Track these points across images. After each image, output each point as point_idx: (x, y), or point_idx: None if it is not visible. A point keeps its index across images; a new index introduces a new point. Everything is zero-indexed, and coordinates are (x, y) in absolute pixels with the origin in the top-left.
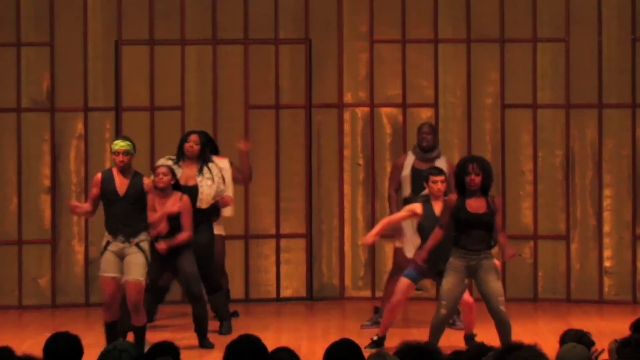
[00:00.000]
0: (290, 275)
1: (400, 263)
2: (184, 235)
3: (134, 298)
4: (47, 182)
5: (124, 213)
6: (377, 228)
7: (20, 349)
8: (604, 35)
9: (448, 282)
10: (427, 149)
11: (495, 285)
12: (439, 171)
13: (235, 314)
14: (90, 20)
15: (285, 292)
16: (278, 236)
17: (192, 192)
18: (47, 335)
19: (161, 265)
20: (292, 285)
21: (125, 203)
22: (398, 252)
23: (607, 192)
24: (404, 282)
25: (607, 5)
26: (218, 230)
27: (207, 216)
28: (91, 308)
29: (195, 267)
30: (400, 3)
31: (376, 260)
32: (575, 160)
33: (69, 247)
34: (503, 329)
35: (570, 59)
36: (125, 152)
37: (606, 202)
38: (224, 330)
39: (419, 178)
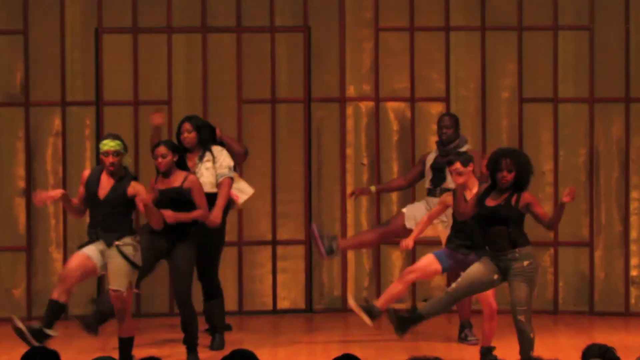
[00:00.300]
0: (287, 285)
1: (395, 226)
2: (197, 212)
3: (119, 306)
4: (21, 184)
5: (103, 218)
6: (418, 229)
7: None
8: (631, 22)
9: (475, 266)
10: (447, 143)
11: (517, 292)
12: (467, 160)
13: (228, 327)
14: (68, 6)
15: (283, 304)
16: (274, 242)
17: None
18: (22, 350)
19: (156, 254)
20: (290, 296)
21: (105, 207)
22: (399, 216)
23: (634, 194)
24: (429, 257)
25: None
26: None
27: (212, 201)
28: (70, 321)
29: (190, 266)
30: None
31: (381, 270)
32: (600, 159)
33: (46, 254)
34: (521, 340)
35: (594, 48)
36: (116, 153)
37: (633, 206)
38: (216, 345)
39: (438, 172)
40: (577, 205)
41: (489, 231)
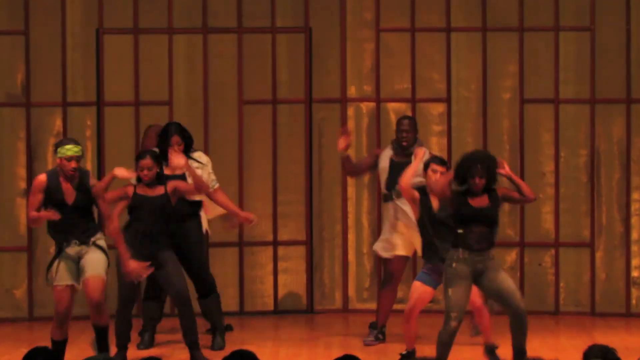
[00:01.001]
0: (288, 285)
1: (389, 269)
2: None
3: (96, 296)
4: (22, 184)
5: (73, 222)
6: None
7: None
8: (632, 23)
9: (456, 291)
10: (408, 147)
11: (507, 282)
12: (442, 161)
13: (229, 328)
14: (68, 7)
15: (284, 304)
16: (275, 243)
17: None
18: (24, 350)
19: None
20: (291, 296)
21: (74, 212)
22: (386, 262)
23: (635, 195)
24: (416, 285)
25: None
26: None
27: (196, 209)
28: (72, 321)
29: (179, 266)
30: None
31: (382, 270)
32: (601, 160)
33: (47, 255)
34: (521, 327)
35: (595, 49)
36: (78, 158)
37: (634, 207)
38: (217, 345)
39: (397, 171)
40: (578, 206)
41: (472, 231)
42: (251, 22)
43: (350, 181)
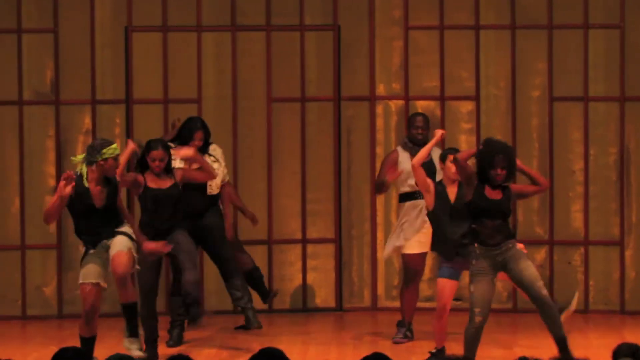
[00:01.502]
0: (317, 283)
1: (412, 267)
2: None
3: (119, 270)
4: (52, 182)
5: (102, 223)
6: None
7: None
8: None
9: (478, 287)
10: (422, 143)
11: (528, 271)
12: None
13: (258, 325)
14: (98, 5)
15: (313, 302)
16: (304, 241)
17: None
18: (53, 347)
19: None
20: (320, 294)
21: (103, 214)
22: (407, 258)
23: None
24: (442, 282)
25: None
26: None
27: (215, 200)
28: (100, 319)
29: (192, 246)
30: None
31: (404, 268)
32: (631, 158)
33: (76, 252)
34: (550, 315)
35: (625, 47)
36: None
37: None
38: (251, 323)
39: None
40: (608, 204)
41: (487, 225)
42: (280, 20)
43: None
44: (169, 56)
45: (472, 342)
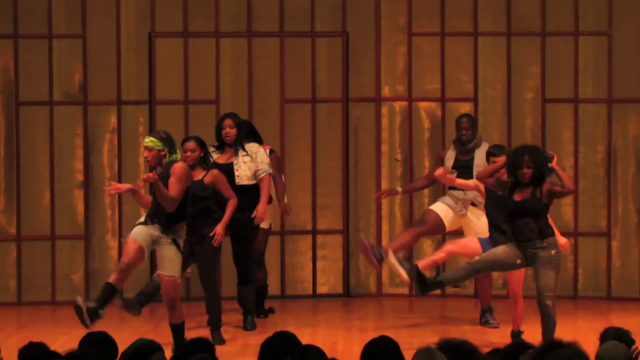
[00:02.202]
0: (326, 271)
1: (431, 221)
2: (231, 205)
3: (170, 294)
4: (80, 177)
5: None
6: (451, 177)
7: (54, 344)
8: None
9: (502, 247)
10: (467, 143)
11: (545, 279)
12: (501, 151)
13: (271, 310)
14: (123, 12)
15: (322, 289)
16: (314, 232)
17: (228, 169)
18: (81, 331)
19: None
20: (329, 281)
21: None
22: (430, 213)
23: None
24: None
25: None
26: (263, 223)
27: (251, 199)
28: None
29: (214, 256)
30: None
31: (414, 257)
32: (617, 156)
33: (103, 242)
34: (546, 323)
35: (612, 52)
36: (149, 149)
37: None
38: (248, 325)
39: (464, 169)
40: (596, 198)
41: (517, 224)
42: (292, 27)
43: (384, 175)
44: (189, 60)
45: (457, 272)
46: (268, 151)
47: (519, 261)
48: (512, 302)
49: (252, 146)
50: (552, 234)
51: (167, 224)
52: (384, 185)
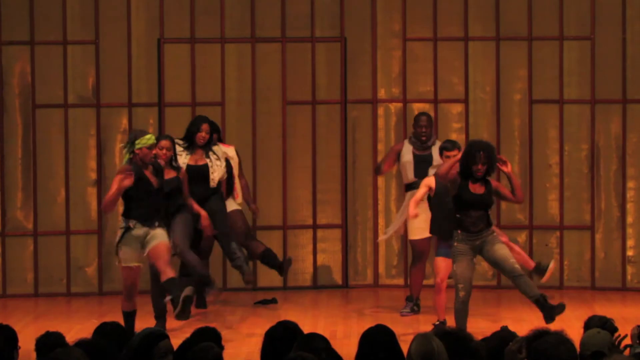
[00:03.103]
0: (326, 264)
1: (419, 249)
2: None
3: (165, 256)
4: (93, 175)
5: (157, 204)
6: (413, 207)
7: (69, 334)
8: (628, 33)
9: (459, 266)
10: (426, 141)
11: (500, 251)
12: (453, 145)
13: (274, 300)
14: (133, 19)
15: (322, 280)
16: (315, 227)
17: (202, 171)
18: (94, 321)
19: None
20: (328, 273)
21: (158, 195)
22: (413, 243)
23: (630, 184)
24: (438, 260)
25: (631, 4)
26: (235, 205)
27: (217, 190)
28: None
29: (185, 229)
30: (432, 3)
31: (408, 250)
32: (600, 153)
33: (115, 236)
34: (522, 282)
35: (595, 56)
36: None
37: (630, 194)
38: (245, 274)
39: (422, 163)
40: (580, 194)
41: (471, 215)
42: (293, 33)
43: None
44: (196, 64)
45: (460, 315)
46: (234, 151)
47: (474, 260)
48: (436, 292)
49: (218, 148)
50: (492, 223)
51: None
52: (380, 182)
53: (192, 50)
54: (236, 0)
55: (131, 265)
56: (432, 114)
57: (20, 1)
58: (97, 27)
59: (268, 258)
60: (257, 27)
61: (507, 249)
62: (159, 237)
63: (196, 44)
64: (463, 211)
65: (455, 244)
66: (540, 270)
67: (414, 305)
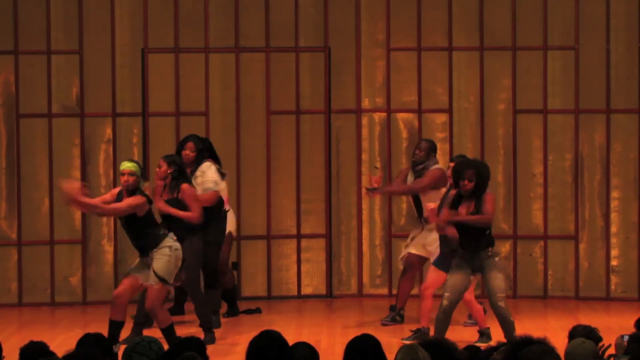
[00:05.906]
0: (310, 273)
1: (411, 262)
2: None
3: (148, 303)
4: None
5: (133, 234)
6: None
7: (53, 344)
8: (612, 43)
9: (452, 276)
10: (416, 164)
11: (494, 282)
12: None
13: (258, 310)
14: (117, 29)
15: (306, 290)
16: (299, 236)
17: None
18: (78, 330)
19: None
20: (313, 283)
21: (132, 224)
22: (410, 255)
23: (614, 194)
24: (432, 269)
25: (615, 14)
26: (228, 227)
27: (207, 215)
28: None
29: (195, 258)
30: (416, 12)
31: (392, 260)
32: (584, 163)
33: (99, 246)
34: (504, 324)
35: (579, 66)
36: (131, 173)
37: (613, 204)
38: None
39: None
40: (564, 203)
41: (469, 233)
42: (277, 43)
43: (365, 182)
44: (180, 74)
45: (440, 324)
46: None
47: (471, 277)
48: (421, 298)
49: (203, 165)
50: (494, 243)
51: (145, 249)
52: (364, 192)
53: (176, 60)
54: (220, 10)
55: (126, 273)
56: (415, 123)
57: (4, 11)
58: (81, 37)
59: (230, 296)
60: (241, 37)
61: (502, 280)
62: (150, 276)
63: (180, 53)
64: (459, 230)
65: (457, 258)
66: (483, 337)
67: (396, 315)
